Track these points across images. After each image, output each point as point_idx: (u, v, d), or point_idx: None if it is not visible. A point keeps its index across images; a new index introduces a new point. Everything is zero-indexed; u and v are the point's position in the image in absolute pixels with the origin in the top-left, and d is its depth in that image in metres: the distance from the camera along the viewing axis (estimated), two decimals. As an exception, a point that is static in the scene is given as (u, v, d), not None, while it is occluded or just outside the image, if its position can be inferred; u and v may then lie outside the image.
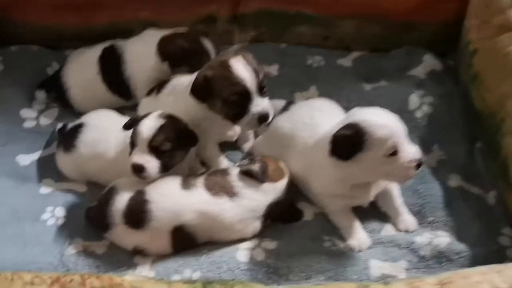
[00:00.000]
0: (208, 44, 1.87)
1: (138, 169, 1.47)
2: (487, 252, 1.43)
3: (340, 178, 1.46)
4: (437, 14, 2.02)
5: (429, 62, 1.97)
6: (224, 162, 1.73)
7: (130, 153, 1.50)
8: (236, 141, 1.81)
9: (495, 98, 1.59)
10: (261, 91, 1.56)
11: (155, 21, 2.11)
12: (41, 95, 1.96)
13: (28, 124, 1.89)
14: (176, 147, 1.51)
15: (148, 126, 1.48)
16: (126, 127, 1.55)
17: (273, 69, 2.08)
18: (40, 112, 1.93)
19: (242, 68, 1.52)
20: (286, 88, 1.98)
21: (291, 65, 2.07)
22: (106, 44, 1.94)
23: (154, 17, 2.12)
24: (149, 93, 1.83)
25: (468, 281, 0.97)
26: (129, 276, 1.10)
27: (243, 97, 1.53)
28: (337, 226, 1.53)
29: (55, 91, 1.95)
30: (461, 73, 1.88)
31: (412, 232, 1.50)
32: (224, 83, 1.53)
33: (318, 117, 1.60)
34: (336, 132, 1.40)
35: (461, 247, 1.44)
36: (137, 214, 1.44)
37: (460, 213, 1.55)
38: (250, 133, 1.82)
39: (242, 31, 2.26)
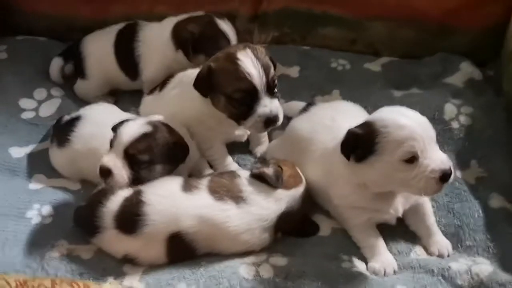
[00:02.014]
0: (226, 27, 1.72)
1: (105, 173, 1.32)
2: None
3: (357, 185, 1.30)
4: (478, 18, 1.86)
5: (467, 70, 1.83)
6: (231, 164, 1.58)
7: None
8: (247, 144, 1.66)
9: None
10: (271, 90, 1.40)
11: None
12: (58, 62, 1.90)
13: (27, 114, 1.80)
14: (158, 161, 1.35)
15: (130, 130, 1.34)
16: (115, 128, 1.39)
17: (294, 71, 1.95)
18: (40, 102, 1.83)
19: (250, 63, 1.37)
20: (307, 91, 1.85)
21: (313, 68, 1.95)
22: (131, 21, 1.89)
23: (172, 12, 2.00)
24: (151, 91, 1.71)
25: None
26: (109, 285, 0.92)
27: (248, 95, 1.38)
28: (358, 244, 1.36)
29: (74, 60, 1.90)
30: (504, 84, 1.71)
31: (445, 256, 1.32)
32: (228, 77, 1.38)
33: (340, 120, 1.44)
34: (350, 129, 1.27)
35: (506, 277, 1.25)
36: (131, 217, 1.29)
37: (504, 238, 1.38)
38: (264, 135, 1.66)
39: (262, 31, 2.14)
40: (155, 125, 1.36)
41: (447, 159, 1.24)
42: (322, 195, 1.41)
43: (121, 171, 1.32)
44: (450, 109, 1.67)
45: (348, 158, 1.27)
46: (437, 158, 1.22)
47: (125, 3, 2.02)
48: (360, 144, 1.24)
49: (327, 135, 1.41)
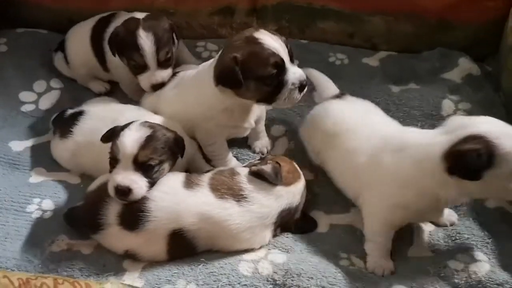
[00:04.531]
0: (144, 38, 1.61)
1: (123, 192, 1.27)
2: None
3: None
4: (477, 13, 1.85)
5: (465, 66, 1.83)
6: (232, 160, 1.58)
7: (111, 171, 1.30)
8: (246, 139, 1.66)
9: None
10: (292, 59, 1.42)
11: (172, 10, 2.02)
12: (59, 55, 1.90)
13: (27, 107, 1.80)
14: (165, 159, 1.32)
15: (132, 138, 1.29)
16: (105, 139, 1.35)
17: (292, 66, 1.93)
18: (40, 95, 1.83)
19: (270, 39, 1.38)
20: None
21: (311, 62, 1.92)
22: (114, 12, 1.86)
23: (171, 6, 2.03)
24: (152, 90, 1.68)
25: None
26: (110, 284, 0.93)
27: (279, 68, 1.37)
28: (369, 237, 1.34)
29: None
30: (503, 79, 1.71)
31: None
32: (258, 58, 1.36)
33: (374, 115, 1.46)
34: (459, 146, 1.17)
35: (503, 276, 1.25)
36: (134, 214, 1.28)
37: (501, 237, 1.37)
38: (262, 131, 1.67)
39: (261, 24, 2.13)
40: (150, 126, 1.33)
41: None
42: (356, 187, 1.39)
43: (139, 184, 1.28)
44: (448, 105, 1.67)
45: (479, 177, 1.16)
46: None
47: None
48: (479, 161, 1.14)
49: (367, 128, 1.39)
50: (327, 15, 2.02)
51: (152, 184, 1.30)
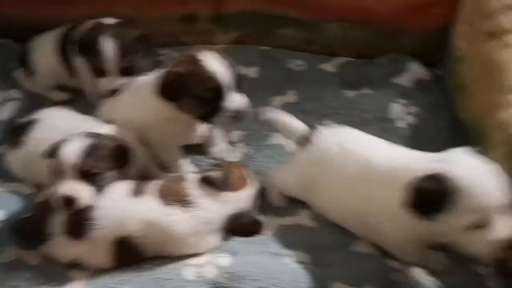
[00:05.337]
0: (106, 44, 1.63)
1: (67, 202, 1.27)
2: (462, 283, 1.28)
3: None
4: (426, 19, 1.91)
5: (415, 71, 1.89)
6: (186, 166, 1.61)
7: (56, 181, 1.31)
8: (203, 145, 1.69)
9: (480, 109, 1.46)
10: (236, 87, 1.45)
11: (134, 18, 2.01)
12: (21, 72, 1.92)
13: (-16, 118, 1.79)
14: (109, 168, 1.34)
15: (73, 149, 1.31)
16: (49, 155, 1.36)
17: (253, 72, 1.99)
18: (-2, 105, 1.83)
19: (215, 63, 1.42)
20: (264, 92, 1.88)
21: (271, 69, 1.99)
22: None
23: (133, 14, 2.03)
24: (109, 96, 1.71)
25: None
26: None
27: (217, 93, 1.42)
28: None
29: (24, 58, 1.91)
30: (448, 82, 1.77)
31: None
32: (197, 79, 1.41)
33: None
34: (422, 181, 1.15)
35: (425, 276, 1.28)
36: (80, 222, 1.30)
37: None
38: (219, 137, 1.70)
39: (223, 32, 2.17)
40: (94, 136, 1.35)
41: None
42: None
43: (82, 193, 1.29)
44: (397, 108, 1.73)
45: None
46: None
47: (86, 5, 2.01)
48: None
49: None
50: (287, 23, 2.07)
51: (97, 193, 1.32)
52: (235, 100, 1.43)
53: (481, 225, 1.12)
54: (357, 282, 1.27)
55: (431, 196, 1.12)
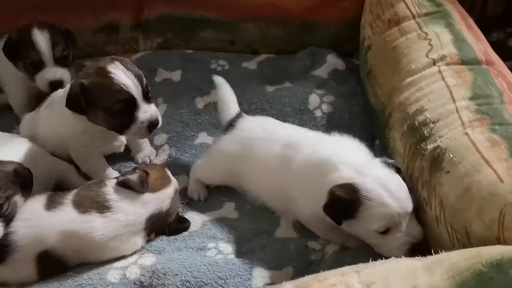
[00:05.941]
0: (40, 37, 1.68)
1: None
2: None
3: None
4: (336, 13, 2.00)
5: (331, 62, 1.97)
6: (111, 173, 1.61)
7: None
8: (129, 151, 1.71)
9: (385, 93, 1.56)
10: (147, 97, 1.46)
11: None
12: None
13: None
14: (12, 194, 1.29)
15: None
16: None
17: (176, 75, 2.01)
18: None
19: (122, 74, 1.41)
20: (188, 94, 1.92)
21: (194, 71, 2.02)
22: None
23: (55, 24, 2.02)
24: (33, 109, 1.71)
25: (324, 284, 0.89)
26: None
27: (128, 105, 1.42)
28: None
29: None
30: (361, 71, 1.86)
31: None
32: (104, 91, 1.41)
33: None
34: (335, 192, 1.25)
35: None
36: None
37: None
38: (144, 141, 1.72)
39: (147, 38, 2.20)
40: None
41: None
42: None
43: None
44: (314, 99, 1.79)
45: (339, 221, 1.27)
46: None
47: (6, 18, 2.00)
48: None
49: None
50: (207, 25, 2.12)
51: (8, 221, 1.28)
52: (147, 111, 1.44)
53: (390, 230, 1.24)
54: (277, 265, 1.32)
55: (341, 203, 1.24)
